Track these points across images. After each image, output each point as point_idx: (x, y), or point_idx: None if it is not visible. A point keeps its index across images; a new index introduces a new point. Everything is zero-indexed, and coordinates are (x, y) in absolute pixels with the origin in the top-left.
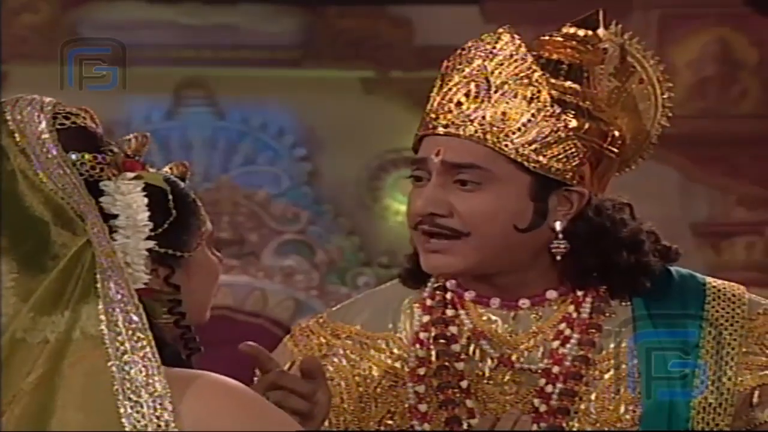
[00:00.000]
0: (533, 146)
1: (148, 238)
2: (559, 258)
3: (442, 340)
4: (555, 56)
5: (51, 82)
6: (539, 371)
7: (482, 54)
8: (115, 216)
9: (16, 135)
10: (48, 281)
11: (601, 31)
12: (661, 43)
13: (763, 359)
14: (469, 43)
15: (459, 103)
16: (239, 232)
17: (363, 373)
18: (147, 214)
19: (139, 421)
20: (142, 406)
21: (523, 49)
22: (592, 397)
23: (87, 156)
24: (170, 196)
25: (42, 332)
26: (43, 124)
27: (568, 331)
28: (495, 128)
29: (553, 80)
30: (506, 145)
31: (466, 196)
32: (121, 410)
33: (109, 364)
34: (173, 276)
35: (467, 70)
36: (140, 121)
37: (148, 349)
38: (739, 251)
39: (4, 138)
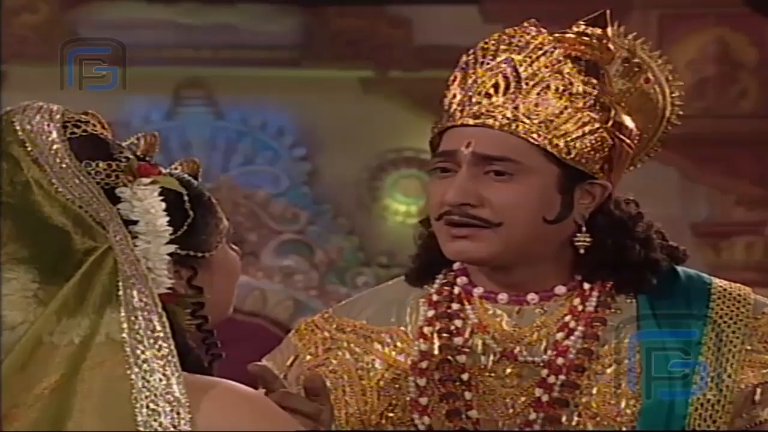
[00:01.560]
0: (565, 138)
1: (169, 242)
2: (582, 251)
3: (445, 334)
4: (573, 53)
5: (50, 82)
6: (542, 362)
7: (508, 47)
8: (135, 222)
9: (28, 145)
10: (69, 286)
11: (609, 31)
12: (660, 42)
13: (766, 357)
14: (493, 37)
15: (488, 95)
16: (238, 232)
17: (366, 366)
18: (166, 218)
19: (156, 430)
20: (159, 415)
21: (551, 43)
22: (594, 391)
23: (101, 164)
24: (186, 198)
25: (68, 334)
26: (54, 134)
27: (573, 324)
28: (527, 120)
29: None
30: (539, 137)
31: (498, 187)
32: (138, 418)
33: (129, 371)
34: (196, 278)
35: (493, 63)
36: (140, 121)
37: (169, 357)
38: (738, 251)
39: (15, 148)
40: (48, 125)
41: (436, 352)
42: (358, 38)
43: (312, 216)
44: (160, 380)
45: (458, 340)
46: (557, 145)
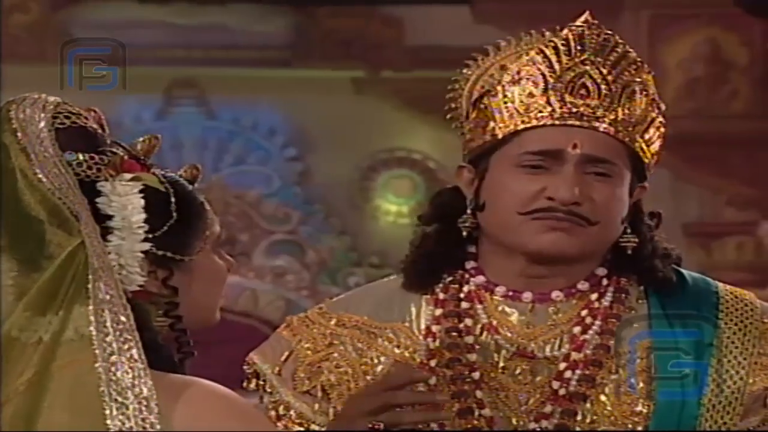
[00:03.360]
0: (647, 143)
1: (145, 239)
2: (629, 252)
3: (454, 332)
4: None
5: (41, 81)
6: (559, 358)
7: (582, 46)
8: (111, 217)
9: (18, 133)
10: (42, 281)
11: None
12: (651, 43)
13: None
14: (561, 35)
15: (582, 96)
16: (230, 232)
17: (370, 362)
18: (143, 215)
19: (124, 423)
20: (127, 408)
21: (623, 45)
22: (607, 390)
23: (82, 156)
24: (173, 199)
25: (37, 332)
26: (43, 123)
27: (589, 319)
28: (624, 124)
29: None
30: (633, 141)
31: (599, 188)
32: (107, 411)
33: (97, 365)
34: (171, 278)
35: (571, 62)
36: (131, 121)
37: (135, 351)
38: (729, 251)
39: (8, 136)
40: (39, 115)
41: (445, 350)
42: (350, 38)
43: (303, 216)
44: (127, 373)
45: (469, 339)
46: (643, 150)
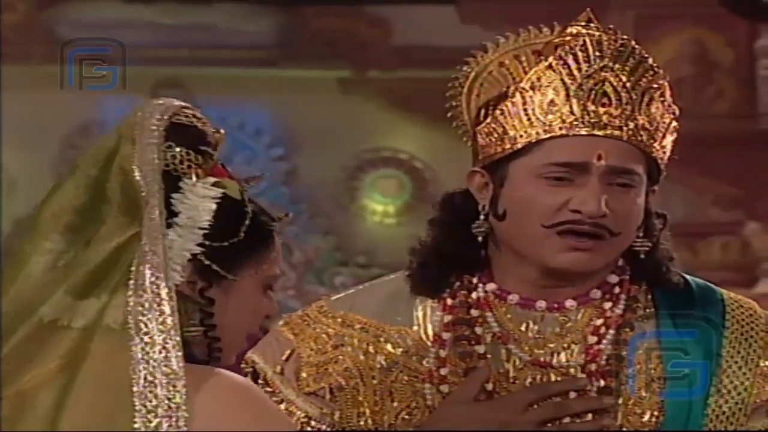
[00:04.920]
0: (664, 150)
1: (200, 244)
2: (642, 256)
3: (464, 341)
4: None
5: (27, 80)
6: (573, 367)
7: (601, 53)
8: (178, 213)
9: (137, 127)
10: (91, 265)
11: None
12: (637, 43)
13: None
14: (579, 42)
15: (603, 104)
16: None
17: (378, 366)
18: (208, 220)
19: (150, 401)
20: (155, 387)
21: (640, 51)
22: (619, 400)
23: (179, 149)
24: (247, 221)
25: (75, 316)
26: (158, 115)
27: (603, 329)
28: (644, 132)
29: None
30: (654, 150)
31: (622, 198)
32: (135, 388)
33: (130, 342)
34: (208, 290)
35: (590, 70)
36: (115, 121)
37: (172, 332)
38: (715, 251)
39: (125, 128)
40: (160, 110)
41: (458, 359)
42: (336, 38)
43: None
44: (160, 352)
45: (479, 348)
46: (662, 158)
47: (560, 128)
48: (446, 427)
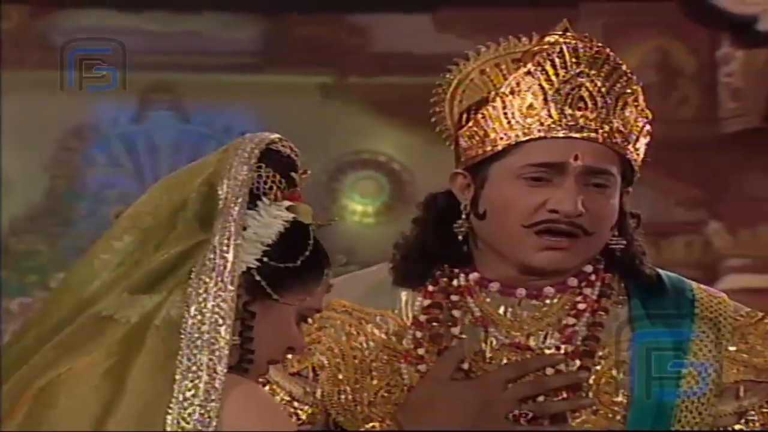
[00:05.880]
0: (638, 152)
1: (258, 260)
2: (618, 253)
3: (437, 323)
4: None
5: (20, 86)
6: (550, 349)
7: (578, 59)
8: (245, 228)
9: (233, 150)
10: (154, 264)
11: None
12: None
13: (745, 356)
14: (556, 49)
15: (579, 108)
16: None
17: (359, 346)
18: (273, 239)
19: (189, 388)
20: (196, 396)
21: (615, 58)
22: (591, 380)
23: (267, 170)
24: (308, 251)
25: (132, 312)
26: (257, 140)
27: (582, 305)
28: (619, 135)
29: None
30: (629, 151)
31: (597, 198)
32: (176, 395)
33: (181, 353)
34: (251, 305)
35: (568, 75)
36: (108, 124)
37: (219, 344)
38: (678, 250)
39: (225, 152)
40: (258, 136)
41: (431, 340)
42: (318, 45)
43: None
44: (206, 367)
45: (456, 330)
46: (636, 159)
47: (539, 130)
48: (427, 405)
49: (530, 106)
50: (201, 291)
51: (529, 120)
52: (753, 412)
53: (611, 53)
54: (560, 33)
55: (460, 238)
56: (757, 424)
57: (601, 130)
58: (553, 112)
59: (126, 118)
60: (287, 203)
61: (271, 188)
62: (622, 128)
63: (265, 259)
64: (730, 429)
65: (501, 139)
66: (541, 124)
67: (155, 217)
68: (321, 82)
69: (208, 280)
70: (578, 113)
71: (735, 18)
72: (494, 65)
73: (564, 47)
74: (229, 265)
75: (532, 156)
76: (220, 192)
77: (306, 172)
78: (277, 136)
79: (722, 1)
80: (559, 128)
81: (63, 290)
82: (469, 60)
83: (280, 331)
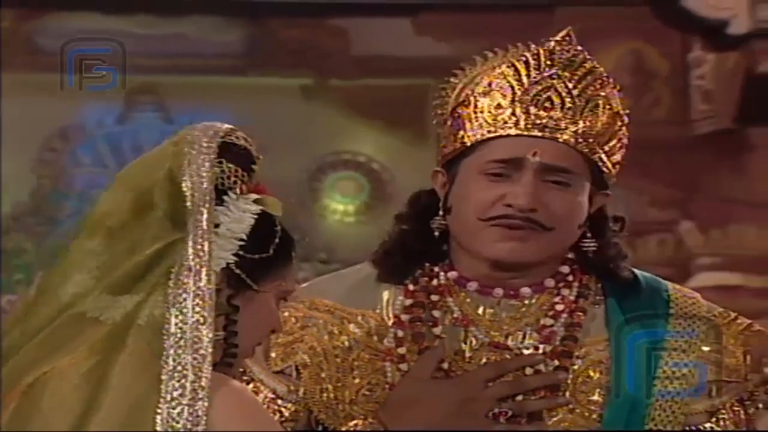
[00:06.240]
0: (608, 154)
1: (235, 254)
2: (590, 255)
3: (419, 323)
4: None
5: (9, 89)
6: (528, 349)
7: (551, 61)
8: (219, 225)
9: (186, 145)
10: (131, 265)
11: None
12: None
13: (718, 356)
14: (532, 51)
15: (546, 108)
16: None
17: (341, 345)
18: (246, 233)
19: (177, 390)
20: (183, 396)
21: (591, 61)
22: (568, 380)
23: (229, 165)
24: (277, 238)
25: (113, 312)
26: (211, 133)
27: (560, 306)
28: (585, 136)
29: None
30: (594, 153)
31: (556, 195)
32: (163, 394)
33: (164, 353)
34: (234, 298)
35: (539, 76)
36: (93, 125)
37: (203, 343)
38: (651, 248)
39: (178, 144)
40: (211, 128)
41: (411, 339)
42: (300, 48)
43: None
44: (190, 366)
45: (436, 330)
46: (602, 160)
47: (502, 128)
48: (408, 403)
49: (498, 105)
50: (180, 291)
51: (496, 119)
52: (724, 411)
53: (589, 57)
54: (559, 39)
55: (436, 234)
56: (728, 423)
57: (565, 130)
58: (519, 111)
59: (111, 119)
60: (254, 196)
61: (235, 182)
62: (588, 130)
63: (242, 253)
64: (701, 427)
65: (469, 136)
66: (505, 122)
67: (119, 216)
68: (302, 84)
69: (186, 280)
70: (543, 113)
71: (706, 22)
72: (488, 72)
73: (540, 50)
74: (205, 264)
75: (494, 152)
76: (185, 189)
77: (259, 157)
78: (229, 126)
79: (694, 5)
80: (521, 126)
81: (41, 291)
82: (476, 65)
83: (263, 318)
